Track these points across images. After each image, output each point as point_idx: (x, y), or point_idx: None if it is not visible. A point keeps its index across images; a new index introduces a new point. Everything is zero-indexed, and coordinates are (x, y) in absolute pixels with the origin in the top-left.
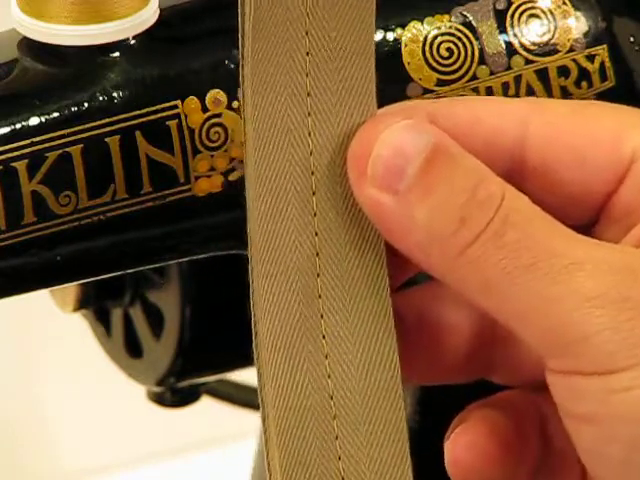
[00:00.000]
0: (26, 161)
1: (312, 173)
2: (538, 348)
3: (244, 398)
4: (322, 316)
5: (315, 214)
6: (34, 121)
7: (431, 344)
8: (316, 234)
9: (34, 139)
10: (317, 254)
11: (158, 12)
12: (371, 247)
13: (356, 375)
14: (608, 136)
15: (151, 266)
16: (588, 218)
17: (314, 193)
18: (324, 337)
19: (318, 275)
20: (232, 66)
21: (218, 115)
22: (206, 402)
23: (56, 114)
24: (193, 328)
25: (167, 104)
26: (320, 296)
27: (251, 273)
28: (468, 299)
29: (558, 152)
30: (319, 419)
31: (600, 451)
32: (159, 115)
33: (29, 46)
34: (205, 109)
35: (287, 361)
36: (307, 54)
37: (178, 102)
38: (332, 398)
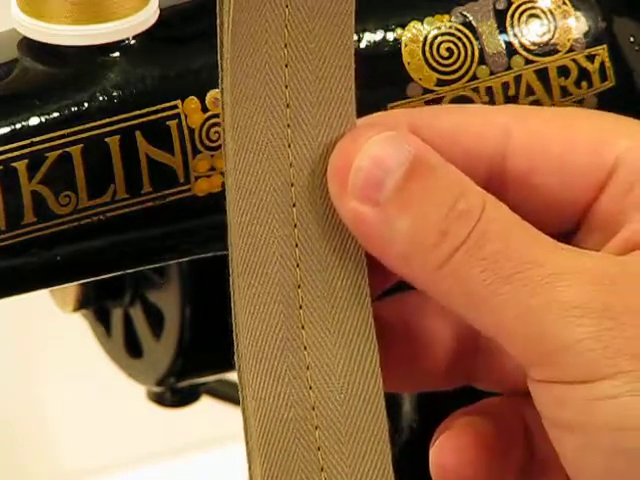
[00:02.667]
0: (26, 161)
1: (292, 185)
2: (520, 358)
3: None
4: (303, 327)
5: (295, 225)
6: (34, 121)
7: (414, 352)
8: (296, 245)
9: (34, 139)
10: (297, 265)
11: (158, 12)
12: (352, 258)
13: (338, 386)
14: (590, 143)
15: (151, 266)
16: (569, 225)
17: (294, 205)
18: (305, 348)
19: (299, 286)
20: None
21: (218, 115)
22: (206, 402)
23: (56, 114)
24: (193, 328)
25: (167, 104)
26: (301, 307)
27: (232, 284)
28: (450, 310)
29: (539, 160)
30: (301, 430)
31: (582, 459)
32: (159, 115)
33: (29, 46)
34: (205, 109)
35: (268, 373)
36: (286, 66)
37: (178, 102)
38: (314, 409)
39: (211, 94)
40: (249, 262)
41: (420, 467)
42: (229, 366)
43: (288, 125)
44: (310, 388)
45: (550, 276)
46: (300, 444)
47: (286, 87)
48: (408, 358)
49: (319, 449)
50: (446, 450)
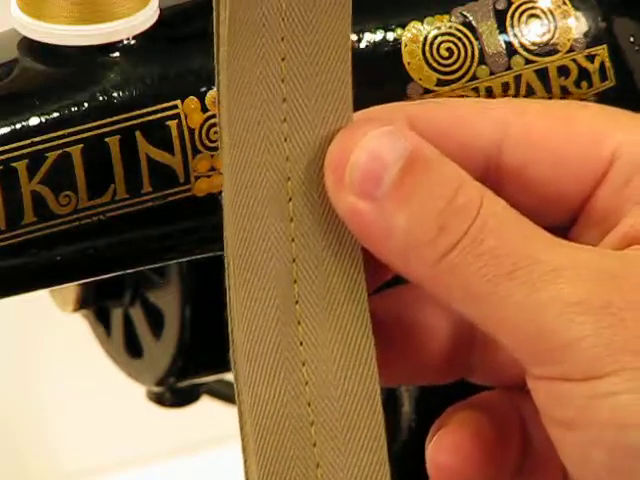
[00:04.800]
0: (26, 161)
1: (288, 179)
2: (519, 355)
3: None
4: (299, 323)
5: (292, 219)
6: (34, 121)
7: (409, 346)
8: (293, 240)
9: (34, 139)
10: (294, 260)
11: (158, 12)
12: (348, 253)
13: (334, 382)
14: (587, 137)
15: (151, 266)
16: (566, 219)
17: (290, 199)
18: (301, 344)
19: (295, 281)
20: None
21: None
22: (206, 402)
23: (56, 114)
24: (193, 328)
25: (167, 104)
26: (297, 302)
27: (228, 280)
28: (447, 305)
29: (536, 153)
30: (297, 426)
31: (584, 456)
32: (159, 115)
33: (29, 46)
34: (205, 109)
35: (264, 368)
36: (282, 59)
37: (178, 102)
38: (310, 405)
39: (211, 94)
40: (245, 257)
41: (419, 467)
42: (229, 366)
43: (284, 119)
44: (306, 384)
45: (550, 272)
46: (296, 440)
47: (282, 81)
48: (404, 352)
49: (315, 445)
50: (442, 448)
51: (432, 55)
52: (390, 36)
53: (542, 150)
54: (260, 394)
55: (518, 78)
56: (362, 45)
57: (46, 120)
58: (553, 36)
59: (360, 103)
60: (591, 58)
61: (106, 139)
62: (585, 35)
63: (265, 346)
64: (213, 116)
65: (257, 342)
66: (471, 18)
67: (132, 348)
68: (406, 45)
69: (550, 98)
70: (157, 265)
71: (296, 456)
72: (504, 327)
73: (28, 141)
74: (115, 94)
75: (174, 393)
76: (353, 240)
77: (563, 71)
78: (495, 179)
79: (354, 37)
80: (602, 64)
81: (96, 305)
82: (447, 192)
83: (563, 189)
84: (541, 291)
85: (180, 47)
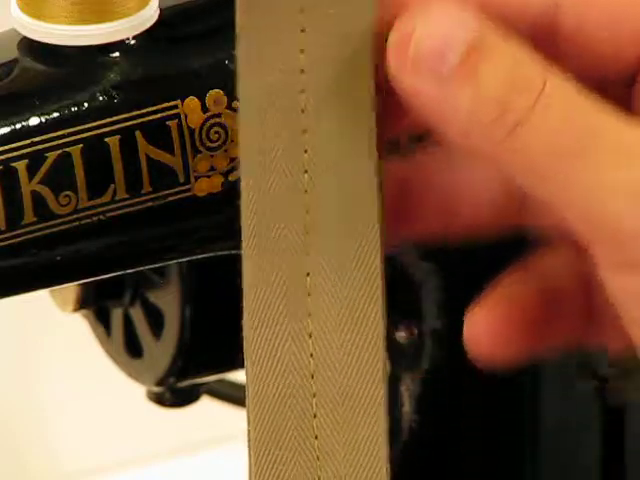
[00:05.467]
0: (26, 161)
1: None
2: (588, 238)
3: (244, 398)
4: (309, 294)
5: (306, 191)
6: (34, 121)
7: (452, 202)
8: (307, 212)
9: (34, 139)
10: (307, 232)
11: (158, 12)
12: (362, 222)
13: (338, 356)
14: None
15: (151, 266)
16: (624, 81)
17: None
18: (310, 315)
19: (307, 253)
20: (232, 66)
21: (218, 115)
22: (206, 402)
23: (56, 114)
24: (193, 328)
25: (167, 104)
26: (308, 274)
27: (242, 248)
28: (514, 182)
29: (594, 15)
30: (298, 398)
31: None
32: (159, 115)
33: (29, 46)
34: (205, 109)
35: (270, 338)
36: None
37: (178, 102)
38: (313, 377)
39: (211, 94)
40: (256, 225)
41: (419, 467)
42: (229, 366)
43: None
44: (311, 356)
45: (619, 152)
46: (296, 410)
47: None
48: (446, 207)
49: (315, 416)
50: (479, 328)
51: None
52: None
53: (600, 12)
54: (263, 363)
55: None
56: None
57: (46, 120)
58: None
59: None
60: None
61: (106, 139)
62: None
63: (273, 316)
64: (213, 116)
65: (265, 312)
66: None
67: (132, 348)
68: None
69: None
70: (157, 265)
71: (295, 426)
72: (572, 211)
73: (28, 141)
74: (115, 94)
75: (174, 393)
76: (369, 206)
77: None
78: (551, 42)
79: None
80: None
81: (96, 305)
82: (511, 71)
83: (620, 51)
84: (610, 172)
85: (180, 47)
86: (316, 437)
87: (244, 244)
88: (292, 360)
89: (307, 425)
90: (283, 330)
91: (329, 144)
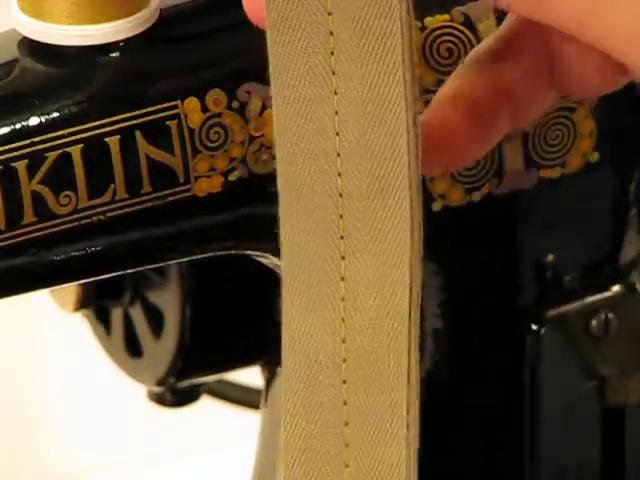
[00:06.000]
0: (26, 161)
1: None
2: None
3: (244, 398)
4: (343, 258)
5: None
6: (34, 121)
7: None
8: (339, 175)
9: (34, 139)
10: (340, 195)
11: (158, 12)
12: (396, 189)
13: (367, 321)
14: None
15: (151, 266)
16: None
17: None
18: (343, 279)
19: (341, 216)
20: (232, 66)
21: (218, 115)
22: (206, 402)
23: (56, 114)
24: (193, 328)
25: (167, 104)
26: (342, 237)
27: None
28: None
29: None
30: (329, 363)
31: None
32: (159, 115)
33: (29, 46)
34: (205, 109)
35: (302, 303)
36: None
37: (178, 102)
38: (344, 342)
39: (211, 94)
40: (293, 189)
41: (419, 467)
42: (229, 366)
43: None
44: (343, 320)
45: None
46: (326, 376)
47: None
48: None
49: (345, 382)
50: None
51: (432, 55)
52: None
53: None
54: (297, 330)
55: None
56: None
57: (46, 120)
58: None
59: None
60: None
61: (106, 139)
62: None
63: (307, 280)
64: (213, 116)
65: (300, 277)
66: (471, 17)
67: (132, 348)
68: None
69: None
70: (157, 265)
71: (325, 393)
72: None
73: (28, 141)
74: (115, 94)
75: (174, 393)
76: (403, 173)
77: None
78: None
79: None
80: None
81: (96, 305)
82: None
83: None
84: None
85: (180, 47)
86: (345, 403)
87: (280, 209)
88: (325, 324)
89: (337, 392)
90: (317, 293)
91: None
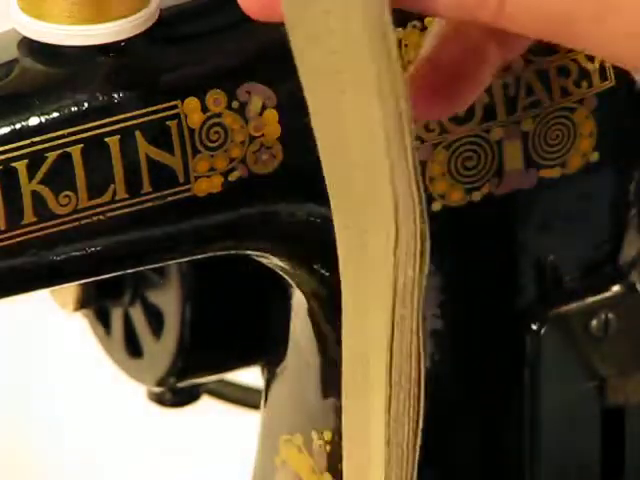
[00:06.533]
0: (26, 161)
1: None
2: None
3: (244, 398)
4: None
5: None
6: (34, 121)
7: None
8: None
9: (34, 139)
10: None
11: (158, 12)
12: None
13: None
14: None
15: (151, 266)
16: None
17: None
18: None
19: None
20: (232, 66)
21: (218, 115)
22: (206, 402)
23: (56, 114)
24: (193, 328)
25: (167, 104)
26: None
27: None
28: None
29: None
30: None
31: None
32: (159, 115)
33: (29, 46)
34: (205, 109)
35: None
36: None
37: (178, 102)
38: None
39: (211, 94)
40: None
41: (419, 466)
42: (229, 366)
43: None
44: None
45: None
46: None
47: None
48: None
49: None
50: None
51: None
52: None
53: None
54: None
55: (518, 78)
56: None
57: (46, 120)
58: None
59: None
60: (591, 58)
61: (106, 139)
62: None
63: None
64: (213, 116)
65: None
66: None
67: (132, 348)
68: (406, 45)
69: (550, 98)
70: (157, 265)
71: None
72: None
73: (28, 141)
74: (115, 94)
75: (174, 393)
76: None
77: (563, 71)
78: None
79: None
80: (602, 64)
81: (96, 305)
82: None
83: None
84: None
85: (180, 47)
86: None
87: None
88: None
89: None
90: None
91: None
